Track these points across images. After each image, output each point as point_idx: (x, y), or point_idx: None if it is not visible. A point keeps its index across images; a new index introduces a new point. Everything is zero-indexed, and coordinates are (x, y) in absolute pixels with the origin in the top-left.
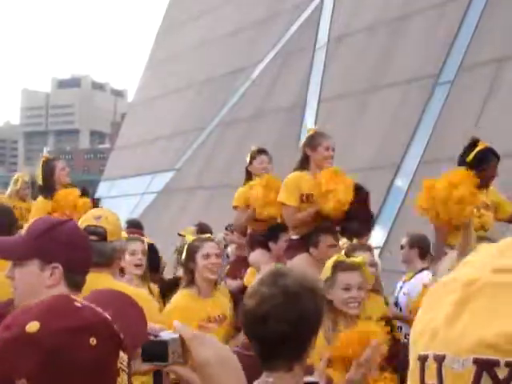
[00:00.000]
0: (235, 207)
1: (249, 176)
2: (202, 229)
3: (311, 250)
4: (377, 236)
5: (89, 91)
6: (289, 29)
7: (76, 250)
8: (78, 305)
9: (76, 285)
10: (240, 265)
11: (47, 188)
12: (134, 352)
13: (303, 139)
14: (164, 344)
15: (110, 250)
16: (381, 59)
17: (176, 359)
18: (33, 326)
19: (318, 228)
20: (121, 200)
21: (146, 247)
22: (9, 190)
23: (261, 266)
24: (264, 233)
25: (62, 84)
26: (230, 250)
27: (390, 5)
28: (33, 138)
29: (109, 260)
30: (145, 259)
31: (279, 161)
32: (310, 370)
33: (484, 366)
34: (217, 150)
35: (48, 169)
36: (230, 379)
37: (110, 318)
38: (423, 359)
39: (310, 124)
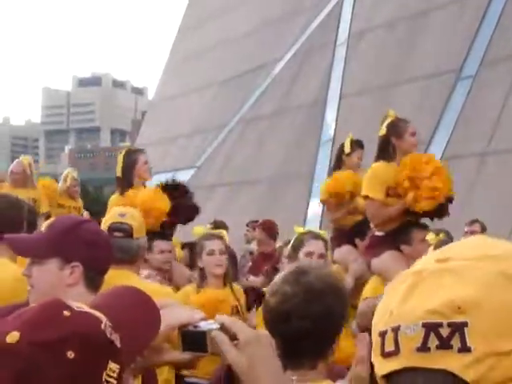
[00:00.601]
0: (323, 201)
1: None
2: (218, 227)
3: (403, 247)
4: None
5: (109, 89)
6: (309, 25)
7: (97, 250)
8: (67, 314)
9: (94, 285)
10: (263, 261)
11: (125, 183)
12: (141, 355)
13: (383, 127)
14: (203, 334)
15: (135, 247)
16: (402, 54)
17: (215, 349)
18: (13, 337)
19: (409, 222)
20: None
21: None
22: (58, 187)
23: (349, 263)
24: (350, 228)
25: (83, 82)
26: (252, 246)
27: (410, 0)
28: (54, 137)
29: (133, 257)
30: (225, 258)
31: (300, 157)
32: (342, 373)
33: (431, 328)
34: (237, 147)
35: (129, 161)
36: (269, 358)
37: (104, 323)
38: (383, 334)
39: (330, 120)
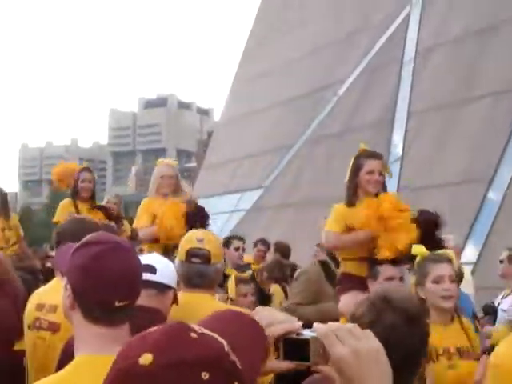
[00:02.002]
0: None
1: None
2: (280, 248)
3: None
4: (469, 251)
5: (175, 110)
6: (375, 43)
7: (86, 278)
8: (194, 336)
9: (92, 316)
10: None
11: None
12: (253, 379)
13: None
14: (306, 343)
15: (213, 273)
16: (470, 71)
17: (317, 358)
18: (146, 359)
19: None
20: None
21: None
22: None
23: None
24: None
25: (149, 104)
26: None
27: (477, 16)
28: (121, 158)
29: (211, 282)
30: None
31: None
32: None
33: None
34: (304, 167)
35: (355, 168)
36: (371, 373)
37: (226, 346)
38: None
39: (398, 139)
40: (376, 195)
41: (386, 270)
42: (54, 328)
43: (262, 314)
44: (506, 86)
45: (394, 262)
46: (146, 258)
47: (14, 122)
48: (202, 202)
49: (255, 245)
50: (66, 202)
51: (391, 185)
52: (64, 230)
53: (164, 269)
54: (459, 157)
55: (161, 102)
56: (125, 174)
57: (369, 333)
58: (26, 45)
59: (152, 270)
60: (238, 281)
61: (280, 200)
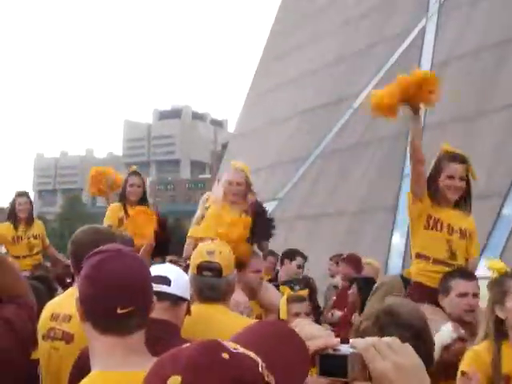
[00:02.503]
0: None
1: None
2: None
3: None
4: (485, 266)
5: (189, 122)
6: (391, 56)
7: (89, 287)
8: (226, 356)
9: (100, 326)
10: (347, 295)
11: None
12: None
13: None
14: (344, 358)
15: (225, 286)
16: (487, 83)
17: (355, 374)
18: (175, 381)
19: None
20: None
21: None
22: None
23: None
24: None
25: (163, 115)
26: (336, 280)
27: (493, 28)
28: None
29: (223, 295)
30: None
31: (381, 189)
32: None
33: None
34: (319, 179)
35: (434, 171)
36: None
37: (262, 366)
38: None
39: None
40: (456, 204)
41: (458, 285)
42: (67, 338)
43: (299, 328)
44: None
45: (468, 275)
46: (159, 269)
47: (30, 131)
48: None
49: (265, 257)
50: (115, 206)
51: (403, 198)
52: (79, 239)
53: (178, 280)
54: (477, 170)
55: (175, 114)
56: None
57: (408, 347)
58: (43, 56)
59: (166, 281)
60: (291, 300)
61: (294, 212)
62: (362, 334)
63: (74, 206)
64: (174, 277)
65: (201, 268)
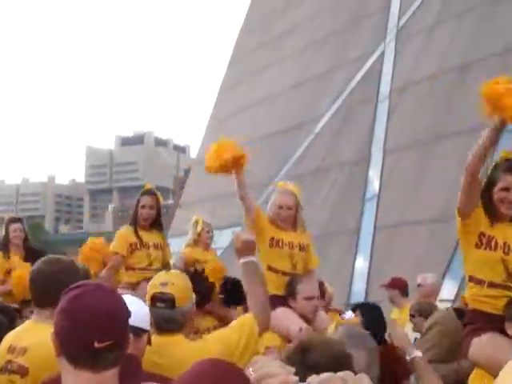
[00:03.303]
0: None
1: None
2: None
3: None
4: (447, 289)
5: (152, 147)
6: (350, 82)
7: (64, 320)
8: None
9: (75, 361)
10: None
11: None
12: None
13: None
14: None
15: (179, 317)
16: (444, 108)
17: None
18: None
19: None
20: None
21: None
22: (188, 238)
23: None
24: None
25: (126, 141)
26: None
27: (450, 54)
28: (98, 196)
29: (179, 326)
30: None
31: (343, 213)
32: None
33: None
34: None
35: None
36: None
37: None
38: None
39: (374, 176)
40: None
41: None
42: (22, 371)
43: (258, 365)
44: (481, 122)
45: None
46: None
47: None
48: (178, 240)
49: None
50: (126, 230)
51: (368, 222)
52: (38, 270)
53: (138, 311)
54: (436, 194)
55: (137, 139)
56: (101, 211)
57: (363, 379)
58: (1, 81)
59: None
60: None
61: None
62: None
63: (36, 233)
64: (134, 308)
65: (154, 299)
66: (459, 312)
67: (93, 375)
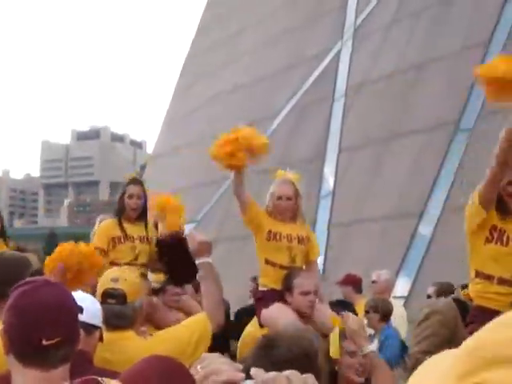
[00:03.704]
0: None
1: None
2: None
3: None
4: (401, 285)
5: (108, 143)
6: (306, 80)
7: (12, 317)
8: None
9: (22, 357)
10: None
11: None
12: None
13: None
14: None
15: (131, 312)
16: (399, 108)
17: None
18: None
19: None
20: None
21: None
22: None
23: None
24: None
25: (82, 136)
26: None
27: (406, 54)
28: (52, 190)
29: (129, 322)
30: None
31: None
32: None
33: None
34: (235, 201)
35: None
36: None
37: None
38: None
39: (329, 174)
40: None
41: None
42: None
43: (206, 362)
44: (436, 121)
45: None
46: None
47: None
48: None
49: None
50: (108, 223)
51: (322, 219)
52: None
53: (90, 308)
54: (390, 191)
55: (94, 134)
56: (56, 206)
57: (308, 377)
58: None
59: (79, 309)
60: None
61: (213, 234)
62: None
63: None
64: (87, 305)
65: (105, 295)
66: (460, 303)
67: (41, 373)
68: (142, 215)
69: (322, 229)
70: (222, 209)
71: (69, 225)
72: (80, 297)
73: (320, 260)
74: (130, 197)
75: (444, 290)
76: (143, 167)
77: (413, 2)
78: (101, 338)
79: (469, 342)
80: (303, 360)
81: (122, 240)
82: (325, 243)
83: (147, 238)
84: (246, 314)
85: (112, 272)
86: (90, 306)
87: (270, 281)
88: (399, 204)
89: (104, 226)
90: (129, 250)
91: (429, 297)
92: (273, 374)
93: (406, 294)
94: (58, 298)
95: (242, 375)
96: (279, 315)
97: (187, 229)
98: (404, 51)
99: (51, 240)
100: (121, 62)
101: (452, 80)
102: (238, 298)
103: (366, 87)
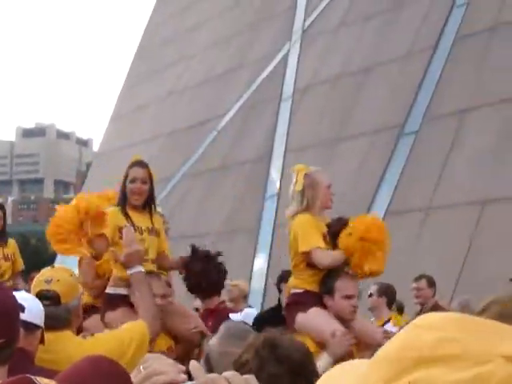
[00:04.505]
0: None
1: None
2: None
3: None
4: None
5: (54, 140)
6: (254, 80)
7: None
8: None
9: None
10: (208, 317)
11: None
12: None
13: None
14: None
15: (64, 313)
16: (346, 110)
17: None
18: None
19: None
20: None
21: None
22: None
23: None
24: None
25: (27, 133)
26: (197, 302)
27: (354, 57)
28: None
29: (64, 323)
30: None
31: (245, 212)
32: None
33: None
34: (182, 201)
35: None
36: None
37: None
38: None
39: (275, 175)
40: None
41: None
42: None
43: (149, 363)
44: (381, 125)
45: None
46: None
47: None
48: None
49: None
50: (112, 211)
51: (267, 220)
52: None
53: (32, 307)
54: (336, 194)
55: (39, 132)
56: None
57: (251, 379)
58: None
59: (20, 308)
60: None
61: None
62: (241, 367)
63: None
64: (28, 304)
65: (39, 297)
66: None
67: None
68: (149, 204)
69: (267, 230)
70: (168, 208)
71: (13, 222)
72: (22, 296)
73: (265, 261)
74: (133, 181)
75: (385, 288)
76: (89, 165)
77: (362, 6)
78: (42, 340)
79: (388, 348)
80: (304, 358)
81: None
82: (269, 244)
83: (156, 231)
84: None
85: (45, 273)
86: (32, 306)
87: (305, 283)
88: (343, 207)
89: (110, 215)
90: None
91: (370, 296)
92: (213, 375)
93: None
94: (1, 300)
95: (185, 377)
96: (320, 321)
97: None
98: (351, 54)
99: None
100: (67, 59)
101: (398, 84)
102: (181, 295)
103: (313, 89)
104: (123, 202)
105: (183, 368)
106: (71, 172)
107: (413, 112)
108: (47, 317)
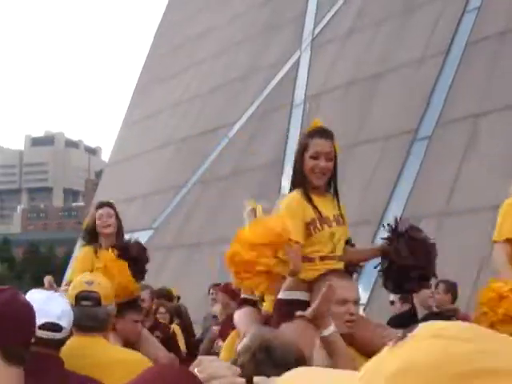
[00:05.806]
0: None
1: None
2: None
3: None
4: (360, 293)
5: (62, 149)
6: (266, 87)
7: (2, 322)
8: None
9: (12, 356)
10: (230, 323)
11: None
12: None
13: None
14: None
15: (105, 315)
16: (358, 116)
17: None
18: None
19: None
20: None
21: None
22: None
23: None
24: None
25: (36, 142)
26: (214, 309)
27: (366, 62)
28: (6, 196)
29: (103, 325)
30: None
31: None
32: None
33: None
34: (195, 208)
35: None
36: None
37: None
38: None
39: (287, 183)
40: None
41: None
42: None
43: (204, 366)
44: (394, 130)
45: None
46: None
47: None
48: None
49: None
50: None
51: None
52: None
53: (63, 309)
54: (350, 199)
55: (48, 140)
56: (10, 212)
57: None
58: None
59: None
60: None
61: (170, 241)
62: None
63: None
64: (60, 306)
65: (79, 298)
66: None
67: (20, 370)
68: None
69: None
70: (181, 216)
71: (22, 231)
72: (48, 297)
73: None
74: (315, 156)
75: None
76: (98, 174)
77: (372, 13)
78: (64, 342)
79: (412, 359)
80: (300, 362)
81: (319, 225)
82: None
83: (342, 217)
84: None
85: (85, 276)
86: (63, 308)
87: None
88: (358, 213)
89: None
90: (327, 237)
91: (392, 303)
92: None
93: (364, 301)
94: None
95: (243, 380)
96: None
97: (144, 236)
98: (363, 60)
99: (4, 246)
100: (75, 68)
101: (410, 89)
102: (195, 302)
103: (324, 96)
104: (301, 183)
105: (239, 370)
106: (80, 180)
107: (426, 117)
108: (87, 317)
